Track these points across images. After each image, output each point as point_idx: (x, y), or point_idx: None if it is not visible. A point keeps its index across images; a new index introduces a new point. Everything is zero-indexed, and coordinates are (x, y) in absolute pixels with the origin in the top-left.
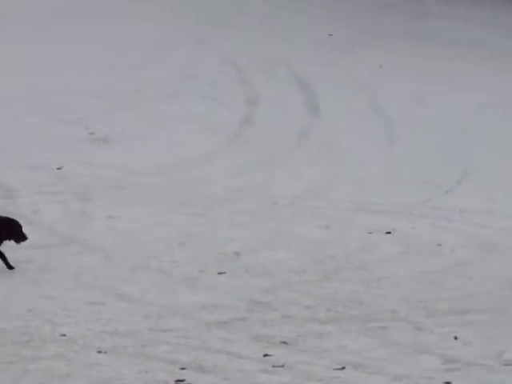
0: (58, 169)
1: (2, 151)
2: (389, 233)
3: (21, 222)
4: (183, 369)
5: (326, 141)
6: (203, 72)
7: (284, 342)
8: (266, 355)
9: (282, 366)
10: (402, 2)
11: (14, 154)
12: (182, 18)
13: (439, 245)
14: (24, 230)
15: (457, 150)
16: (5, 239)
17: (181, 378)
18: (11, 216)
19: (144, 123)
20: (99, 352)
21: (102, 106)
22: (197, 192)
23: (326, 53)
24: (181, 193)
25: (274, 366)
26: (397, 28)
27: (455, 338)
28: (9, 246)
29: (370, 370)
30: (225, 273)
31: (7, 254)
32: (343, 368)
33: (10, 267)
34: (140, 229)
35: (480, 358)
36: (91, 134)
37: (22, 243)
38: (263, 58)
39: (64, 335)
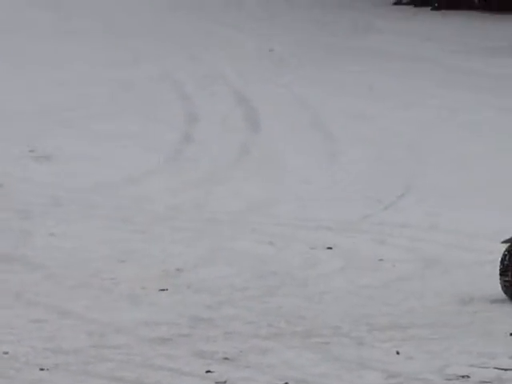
0: None
1: None
2: (330, 248)
3: None
4: None
5: (266, 157)
6: (142, 89)
7: (226, 358)
8: (208, 371)
9: (225, 382)
10: (345, 18)
11: None
12: (119, 34)
13: (380, 260)
14: None
15: (399, 166)
16: None
17: None
18: None
19: (84, 140)
20: (42, 369)
21: (42, 124)
22: (137, 209)
23: (267, 68)
24: (121, 210)
25: (216, 382)
26: (339, 43)
27: (397, 352)
28: None
29: None
30: (167, 289)
31: None
32: (286, 383)
33: None
34: (81, 246)
35: (422, 373)
36: (31, 151)
37: None
38: (203, 74)
39: (6, 353)
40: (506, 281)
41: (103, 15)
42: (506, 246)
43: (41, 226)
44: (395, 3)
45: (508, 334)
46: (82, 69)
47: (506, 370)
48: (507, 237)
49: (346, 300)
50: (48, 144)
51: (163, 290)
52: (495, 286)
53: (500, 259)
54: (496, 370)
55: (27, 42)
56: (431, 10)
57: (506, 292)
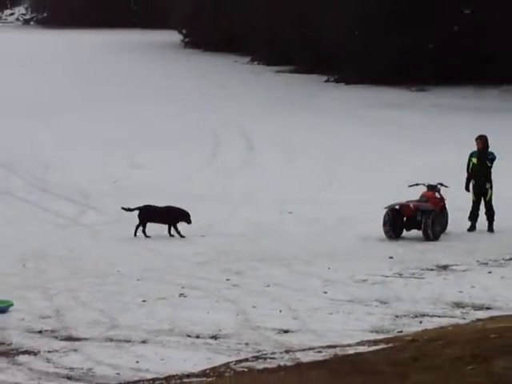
0: None
1: None
2: (291, 213)
3: None
4: None
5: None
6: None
7: (237, 273)
8: (227, 279)
9: (236, 285)
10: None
11: None
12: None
13: (317, 218)
14: None
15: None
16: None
17: None
18: None
19: None
20: (138, 280)
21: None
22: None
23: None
24: None
25: (232, 285)
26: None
27: (328, 268)
28: None
29: None
30: (204, 236)
31: None
32: (268, 285)
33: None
34: None
35: (342, 278)
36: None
37: None
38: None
39: (119, 271)
40: (385, 229)
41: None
42: (386, 209)
43: None
44: (326, 81)
45: (388, 257)
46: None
47: (387, 276)
48: (387, 204)
49: (301, 240)
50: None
51: (202, 236)
52: (381, 233)
53: (383, 217)
54: (381, 276)
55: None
56: (345, 84)
57: (385, 235)
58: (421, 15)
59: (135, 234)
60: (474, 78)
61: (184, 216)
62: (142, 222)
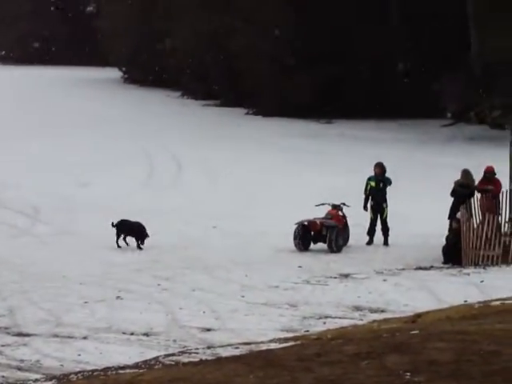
0: None
1: None
2: (215, 227)
3: None
4: None
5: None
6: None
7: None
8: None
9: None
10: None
11: None
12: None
13: (239, 232)
14: None
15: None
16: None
17: None
18: None
19: None
20: (81, 284)
21: None
22: None
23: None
24: None
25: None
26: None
27: (246, 275)
28: None
29: None
30: None
31: None
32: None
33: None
34: None
35: (258, 284)
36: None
37: None
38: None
39: (65, 276)
40: (295, 242)
41: None
42: (296, 225)
43: None
44: (246, 113)
45: (297, 266)
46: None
47: (296, 283)
48: (297, 221)
49: (223, 251)
50: None
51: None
52: (292, 246)
53: (293, 231)
54: (292, 283)
55: None
56: (263, 117)
57: (296, 247)
58: (328, 57)
59: (118, 246)
60: (376, 113)
61: (145, 231)
62: (118, 235)
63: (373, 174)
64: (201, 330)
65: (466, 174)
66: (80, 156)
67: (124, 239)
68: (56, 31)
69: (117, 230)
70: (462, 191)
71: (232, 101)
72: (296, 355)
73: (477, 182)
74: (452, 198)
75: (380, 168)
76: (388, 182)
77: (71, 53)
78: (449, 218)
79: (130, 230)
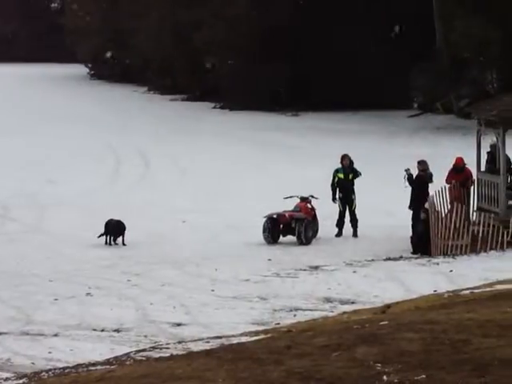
0: None
1: None
2: (184, 221)
3: None
4: None
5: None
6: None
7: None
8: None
9: None
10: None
11: None
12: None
13: (207, 227)
14: None
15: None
16: None
17: None
18: None
19: None
20: (51, 281)
21: None
22: None
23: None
24: None
25: None
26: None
27: (216, 269)
28: None
29: None
30: None
31: None
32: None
33: None
34: None
35: (228, 278)
36: None
37: None
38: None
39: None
40: (264, 235)
41: None
42: (265, 218)
43: None
44: (213, 107)
45: (267, 259)
46: None
47: (266, 276)
48: (266, 214)
49: (192, 245)
50: None
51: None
52: (261, 239)
53: (262, 224)
54: (262, 276)
55: None
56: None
57: (265, 240)
58: (293, 52)
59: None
60: (343, 105)
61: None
62: (106, 233)
63: (340, 166)
64: (171, 325)
65: (424, 163)
66: (46, 153)
67: (114, 240)
68: (20, 28)
69: (105, 229)
70: (425, 178)
71: (198, 95)
72: (266, 348)
73: (446, 174)
74: (410, 188)
75: (347, 159)
76: (358, 173)
77: (36, 50)
78: (409, 207)
79: (117, 228)
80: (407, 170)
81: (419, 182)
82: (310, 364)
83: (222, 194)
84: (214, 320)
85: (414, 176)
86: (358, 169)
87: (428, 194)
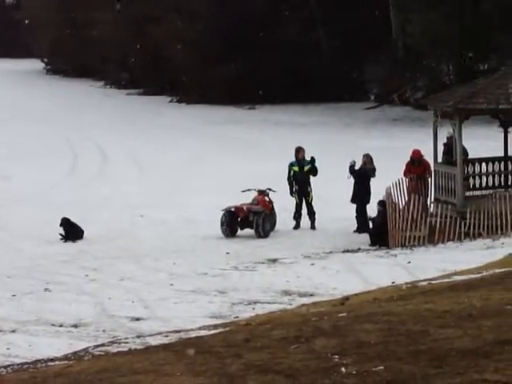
0: None
1: None
2: (142, 216)
3: None
4: None
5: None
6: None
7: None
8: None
9: None
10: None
11: None
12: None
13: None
14: None
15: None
16: None
17: None
18: None
19: None
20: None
21: None
22: None
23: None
24: None
25: None
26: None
27: (174, 263)
28: None
29: None
30: None
31: None
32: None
33: None
34: None
35: (187, 272)
36: None
37: None
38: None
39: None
40: (222, 229)
41: None
42: (223, 211)
43: None
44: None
45: (225, 253)
46: None
47: (224, 269)
48: (224, 207)
49: (150, 240)
50: None
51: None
52: (219, 232)
53: (220, 218)
54: (220, 270)
55: None
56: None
57: (223, 233)
58: (251, 44)
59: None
60: (299, 97)
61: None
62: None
63: (294, 159)
64: (130, 320)
65: (367, 156)
66: (1, 150)
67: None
68: None
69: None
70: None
71: (155, 89)
72: (225, 341)
73: (404, 166)
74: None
75: (302, 152)
76: (315, 171)
77: None
78: (351, 201)
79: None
80: (351, 161)
81: (360, 175)
82: (269, 357)
83: (179, 188)
84: (172, 314)
85: (357, 168)
86: (315, 161)
87: (369, 188)
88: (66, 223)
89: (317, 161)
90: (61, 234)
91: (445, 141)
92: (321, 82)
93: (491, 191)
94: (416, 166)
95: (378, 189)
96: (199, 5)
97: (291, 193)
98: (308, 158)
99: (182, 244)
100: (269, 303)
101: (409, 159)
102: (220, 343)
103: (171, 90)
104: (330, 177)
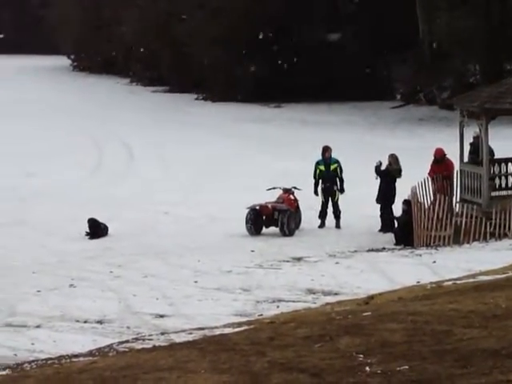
0: None
1: None
2: (167, 213)
3: None
4: None
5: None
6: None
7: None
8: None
9: None
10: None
11: None
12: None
13: (191, 217)
14: None
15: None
16: None
17: None
18: None
19: None
20: (34, 273)
21: None
22: None
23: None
24: None
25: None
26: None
27: (198, 260)
28: None
29: None
30: None
31: None
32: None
33: None
34: None
35: (211, 269)
36: None
37: None
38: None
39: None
40: (247, 226)
41: None
42: (248, 209)
43: None
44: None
45: (250, 251)
46: None
47: (249, 267)
48: (249, 205)
49: (175, 237)
50: None
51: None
52: (244, 230)
53: (245, 216)
54: (244, 267)
55: None
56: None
57: (248, 231)
58: (276, 42)
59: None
60: (326, 96)
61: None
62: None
63: (320, 158)
64: (154, 317)
65: (393, 157)
66: (27, 145)
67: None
68: (2, 19)
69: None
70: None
71: (181, 87)
72: (249, 339)
73: (429, 166)
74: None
75: (329, 151)
76: (339, 166)
77: (19, 41)
78: (376, 201)
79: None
80: (377, 162)
81: (386, 176)
82: (293, 355)
83: (204, 185)
84: (196, 311)
85: (383, 168)
86: (340, 161)
87: (394, 188)
88: (92, 225)
89: (342, 162)
90: (86, 232)
91: (471, 140)
92: (345, 81)
93: None
94: (439, 165)
95: (403, 189)
96: (223, 1)
97: (315, 191)
98: (335, 157)
99: (207, 241)
100: (293, 301)
101: (433, 159)
102: (244, 341)
103: (197, 87)
104: (356, 176)
